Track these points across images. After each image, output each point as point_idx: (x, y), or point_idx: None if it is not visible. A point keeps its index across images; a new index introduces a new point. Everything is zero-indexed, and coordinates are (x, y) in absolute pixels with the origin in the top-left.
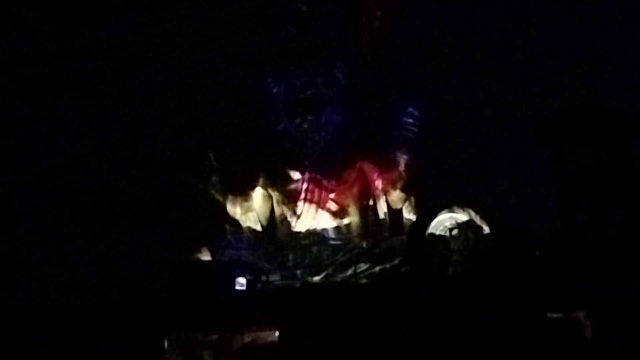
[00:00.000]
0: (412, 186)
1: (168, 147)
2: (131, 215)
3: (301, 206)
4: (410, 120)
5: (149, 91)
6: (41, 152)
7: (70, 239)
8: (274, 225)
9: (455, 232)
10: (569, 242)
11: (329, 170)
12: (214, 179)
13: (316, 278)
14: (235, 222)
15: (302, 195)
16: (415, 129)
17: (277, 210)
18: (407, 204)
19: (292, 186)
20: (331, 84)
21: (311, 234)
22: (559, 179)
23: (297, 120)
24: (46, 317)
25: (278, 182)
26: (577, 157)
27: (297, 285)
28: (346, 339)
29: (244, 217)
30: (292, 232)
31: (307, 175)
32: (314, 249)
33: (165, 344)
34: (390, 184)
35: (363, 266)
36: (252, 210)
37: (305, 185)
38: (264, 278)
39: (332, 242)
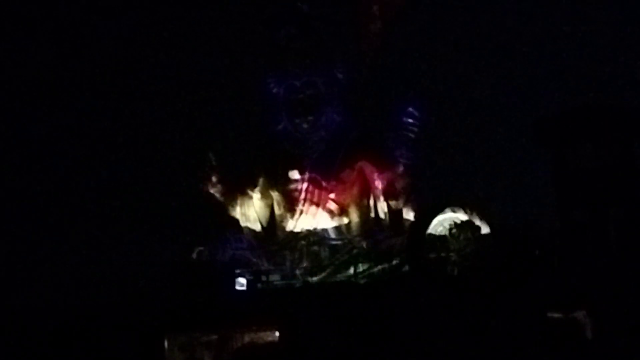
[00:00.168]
0: (412, 186)
1: (167, 147)
2: (130, 215)
3: (301, 206)
4: (411, 120)
5: (148, 91)
6: (39, 150)
7: (69, 238)
8: (274, 225)
9: (454, 232)
10: (569, 242)
11: (329, 171)
12: (213, 179)
13: (316, 278)
14: (235, 222)
15: (302, 195)
16: (416, 129)
17: (277, 210)
18: (407, 204)
19: (292, 186)
20: (331, 84)
21: (311, 234)
22: (559, 179)
23: (297, 121)
24: (45, 318)
25: (278, 182)
26: (577, 157)
27: (297, 285)
28: (346, 339)
29: (243, 217)
30: (292, 232)
31: (307, 175)
32: (314, 249)
33: (165, 344)
34: (391, 184)
35: (363, 266)
36: (252, 210)
37: (305, 185)
38: (264, 278)
39: (332, 242)
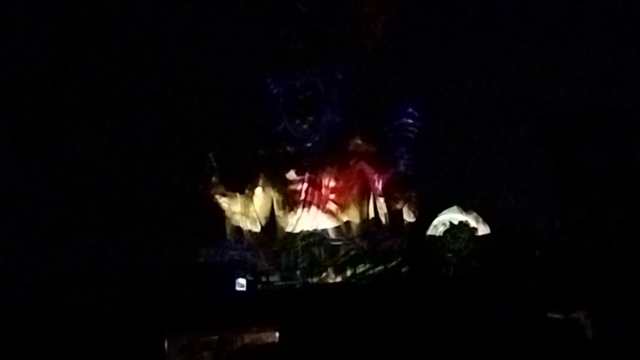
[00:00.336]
0: (412, 187)
1: (168, 149)
2: (131, 216)
3: (301, 207)
4: (410, 121)
5: (147, 92)
6: (38, 151)
7: (69, 240)
8: (274, 226)
9: (452, 232)
10: (569, 242)
11: (329, 171)
12: (213, 179)
13: (316, 279)
14: (235, 223)
15: (302, 196)
16: (415, 130)
17: (277, 211)
18: (407, 204)
19: (292, 187)
20: (331, 85)
21: (311, 234)
22: (559, 179)
23: (297, 121)
24: (46, 319)
25: (278, 182)
26: (577, 157)
27: (297, 286)
28: (346, 340)
29: (243, 218)
30: (292, 232)
31: (307, 175)
32: (314, 249)
33: (166, 345)
34: (390, 185)
35: (363, 267)
36: (252, 211)
37: (305, 186)
38: (264, 279)
39: (332, 242)
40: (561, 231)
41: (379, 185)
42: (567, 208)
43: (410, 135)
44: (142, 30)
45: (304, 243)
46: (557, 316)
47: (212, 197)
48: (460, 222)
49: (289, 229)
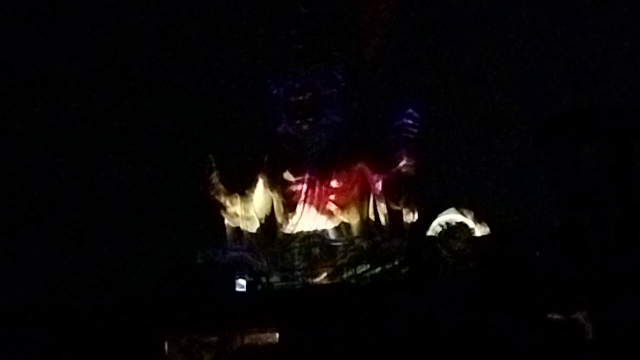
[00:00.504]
0: (411, 188)
1: (168, 150)
2: (131, 218)
3: (301, 207)
4: (410, 122)
5: (149, 93)
6: (40, 153)
7: (70, 242)
8: (274, 226)
9: (454, 233)
10: (569, 242)
11: (329, 172)
12: (214, 181)
13: (316, 279)
14: (235, 224)
15: (302, 197)
16: (415, 131)
17: (277, 212)
18: (406, 205)
19: (292, 188)
20: (331, 86)
21: (311, 235)
22: (559, 179)
23: (297, 122)
24: (47, 320)
25: (278, 183)
26: (577, 158)
27: (297, 286)
28: (346, 340)
29: (244, 218)
30: (292, 233)
31: (307, 176)
32: (314, 250)
33: (166, 345)
34: (390, 186)
35: (363, 267)
36: (252, 212)
37: (305, 187)
38: (264, 279)
39: (332, 243)
40: (561, 232)
41: (378, 186)
42: (566, 209)
43: (411, 136)
44: (142, 31)
45: (303, 244)
46: (557, 317)
47: (213, 198)
48: (460, 223)
49: (288, 230)
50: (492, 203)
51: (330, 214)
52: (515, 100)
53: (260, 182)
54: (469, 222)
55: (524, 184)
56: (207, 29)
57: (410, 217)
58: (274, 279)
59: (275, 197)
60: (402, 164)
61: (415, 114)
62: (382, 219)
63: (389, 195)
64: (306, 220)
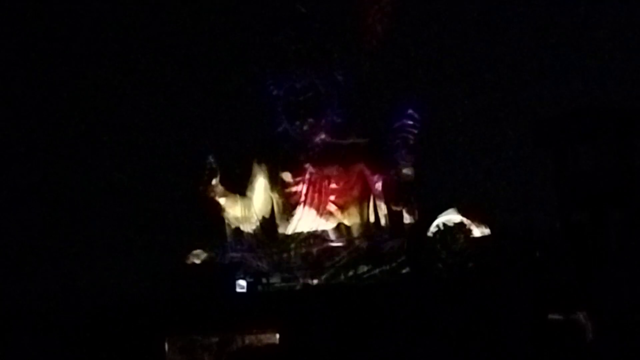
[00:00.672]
0: (412, 188)
1: (167, 150)
2: (130, 218)
3: (301, 208)
4: (410, 122)
5: (147, 93)
6: (40, 153)
7: (69, 241)
8: (274, 227)
9: (455, 234)
10: (569, 244)
11: (329, 173)
12: (213, 181)
13: (317, 280)
14: (235, 224)
15: (302, 197)
16: (416, 131)
17: (277, 212)
18: (406, 206)
19: (292, 188)
20: (331, 86)
21: (311, 235)
22: (559, 179)
23: (297, 123)
24: (44, 321)
25: (278, 184)
26: (577, 158)
27: (298, 287)
28: (347, 342)
29: (243, 219)
30: (292, 234)
31: (307, 177)
32: (314, 250)
33: (166, 346)
34: (390, 186)
35: (363, 268)
36: (252, 212)
37: (305, 187)
38: (264, 280)
39: (332, 244)
40: (561, 233)
41: (379, 187)
42: (567, 209)
43: (411, 137)
44: (140, 31)
45: (304, 244)
46: (557, 317)
47: (212, 198)
48: (460, 224)
49: (289, 231)
50: (492, 203)
51: (330, 214)
52: (515, 100)
53: (261, 183)
54: (471, 222)
55: (524, 184)
56: (207, 29)
57: (410, 217)
58: (275, 279)
59: (276, 197)
60: (402, 164)
61: (415, 115)
62: (382, 220)
63: (389, 195)
64: (306, 221)
